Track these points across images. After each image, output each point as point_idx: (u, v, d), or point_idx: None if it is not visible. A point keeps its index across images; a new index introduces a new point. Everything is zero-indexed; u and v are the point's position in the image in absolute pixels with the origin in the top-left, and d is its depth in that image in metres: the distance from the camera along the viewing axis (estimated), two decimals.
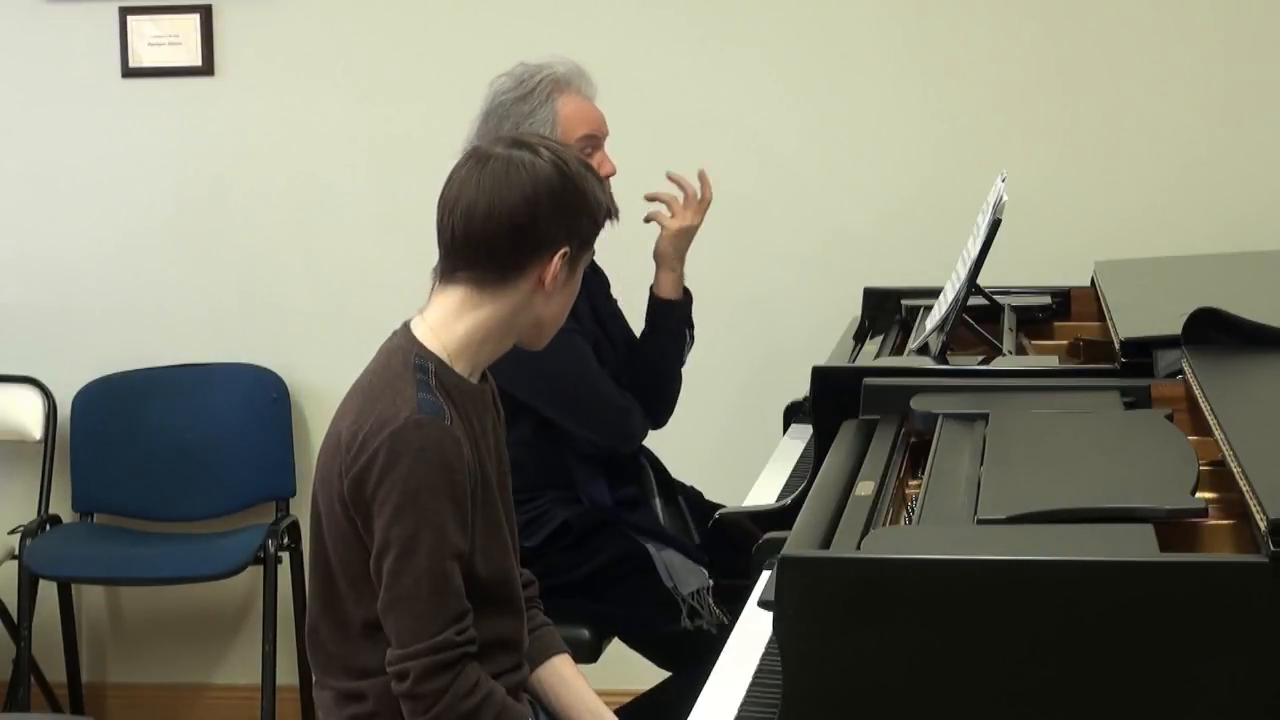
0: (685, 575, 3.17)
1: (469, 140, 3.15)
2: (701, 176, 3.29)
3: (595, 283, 3.31)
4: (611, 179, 3.21)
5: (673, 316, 3.29)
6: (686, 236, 3.28)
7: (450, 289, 2.37)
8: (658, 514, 3.31)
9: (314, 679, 2.48)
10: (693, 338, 3.35)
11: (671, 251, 3.28)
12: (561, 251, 2.34)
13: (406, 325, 2.40)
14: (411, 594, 2.26)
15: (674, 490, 3.39)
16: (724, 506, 3.35)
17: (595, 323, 3.26)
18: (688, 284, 3.33)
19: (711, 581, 3.16)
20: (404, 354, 2.35)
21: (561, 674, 2.55)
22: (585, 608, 3.16)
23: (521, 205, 2.31)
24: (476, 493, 2.33)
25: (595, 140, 3.18)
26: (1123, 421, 2.42)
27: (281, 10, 4.32)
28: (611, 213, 2.43)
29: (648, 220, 3.26)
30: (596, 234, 2.42)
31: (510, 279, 2.34)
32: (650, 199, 3.27)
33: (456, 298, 2.36)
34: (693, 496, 3.47)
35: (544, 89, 3.15)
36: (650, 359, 3.28)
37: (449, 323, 2.37)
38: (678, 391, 3.36)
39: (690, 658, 3.19)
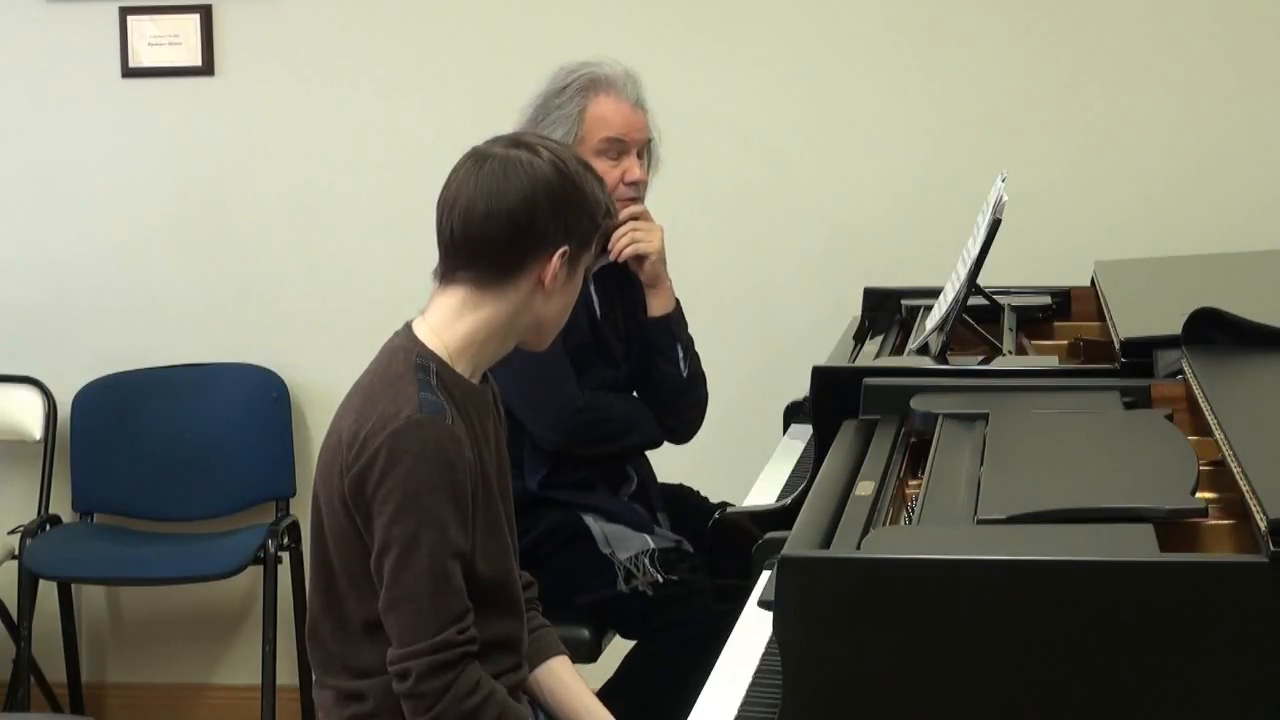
0: (623, 540, 3.16)
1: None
2: None
3: (629, 292, 3.27)
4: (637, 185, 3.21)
5: (665, 330, 3.26)
6: (662, 261, 3.25)
7: (450, 290, 2.37)
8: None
9: (314, 678, 2.48)
10: (686, 346, 3.31)
11: (663, 270, 3.26)
12: (561, 251, 2.34)
13: (408, 326, 2.40)
14: (413, 593, 2.26)
15: (656, 503, 3.34)
16: (723, 506, 3.35)
17: (590, 329, 3.22)
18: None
19: (653, 545, 3.15)
20: (405, 354, 2.35)
21: (560, 675, 2.55)
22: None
23: (520, 205, 2.31)
24: (477, 492, 2.33)
25: (621, 144, 3.16)
26: (1123, 421, 2.42)
27: (281, 10, 4.32)
28: (611, 213, 2.43)
29: (624, 254, 3.20)
30: (596, 233, 2.42)
31: (510, 279, 2.34)
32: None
33: (457, 298, 2.36)
34: (688, 499, 3.45)
35: (577, 85, 3.16)
36: (651, 380, 3.28)
37: (450, 323, 2.37)
38: (695, 406, 3.32)
39: (631, 619, 3.19)
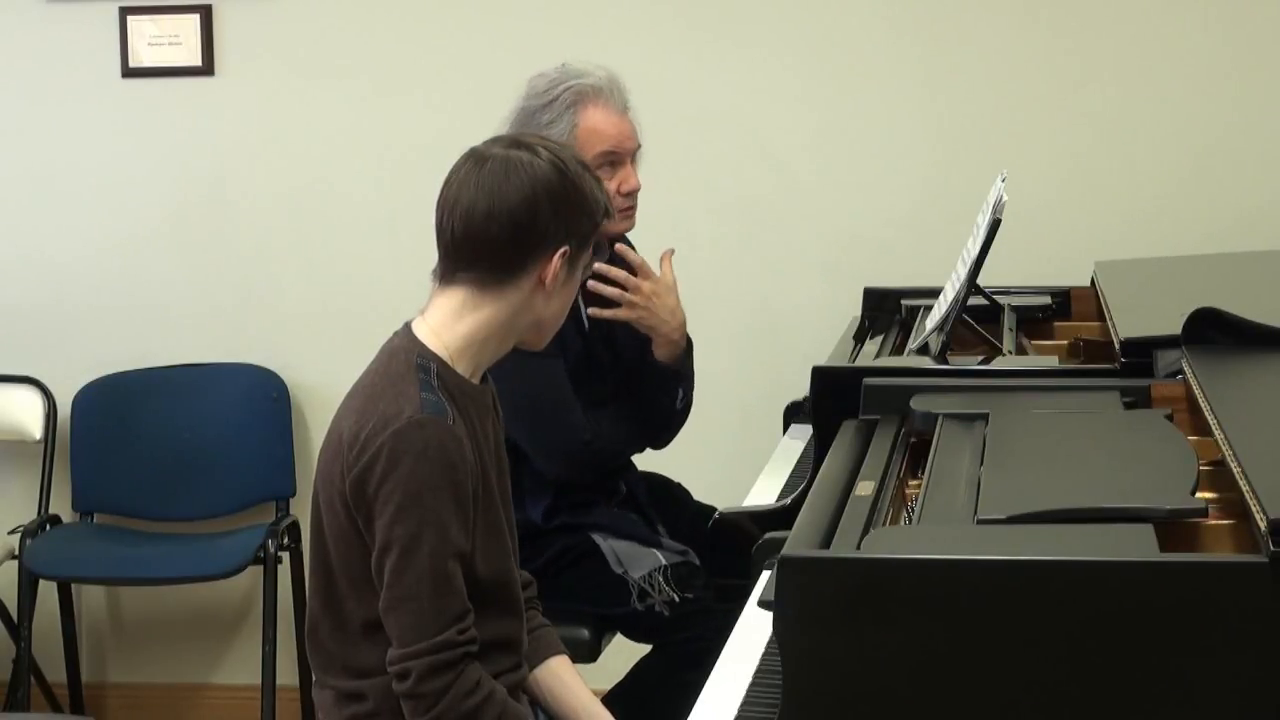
0: (635, 559, 3.14)
1: None
2: (663, 257, 3.15)
3: (610, 304, 3.25)
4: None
5: (660, 376, 3.21)
6: (653, 317, 3.13)
7: (450, 290, 2.37)
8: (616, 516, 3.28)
9: (314, 679, 2.48)
10: (686, 386, 3.25)
11: (656, 321, 3.14)
12: (562, 250, 2.34)
13: (407, 326, 2.40)
14: (413, 593, 2.26)
15: (647, 509, 3.32)
16: (712, 509, 3.35)
17: (579, 337, 3.19)
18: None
19: (664, 562, 3.14)
20: (406, 354, 2.35)
21: (559, 675, 2.55)
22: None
23: (521, 205, 2.31)
24: (478, 493, 2.33)
25: (615, 156, 3.08)
26: (1123, 421, 2.42)
27: (281, 10, 4.32)
28: (609, 213, 2.44)
29: (599, 313, 3.11)
30: (595, 233, 2.42)
31: (511, 279, 2.34)
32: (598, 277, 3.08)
33: (457, 299, 2.36)
34: (670, 489, 3.45)
35: (565, 100, 3.07)
36: (640, 400, 3.24)
37: (450, 324, 2.37)
38: (678, 423, 3.29)
39: (643, 633, 3.19)
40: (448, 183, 2.36)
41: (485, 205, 2.31)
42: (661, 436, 3.32)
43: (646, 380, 3.22)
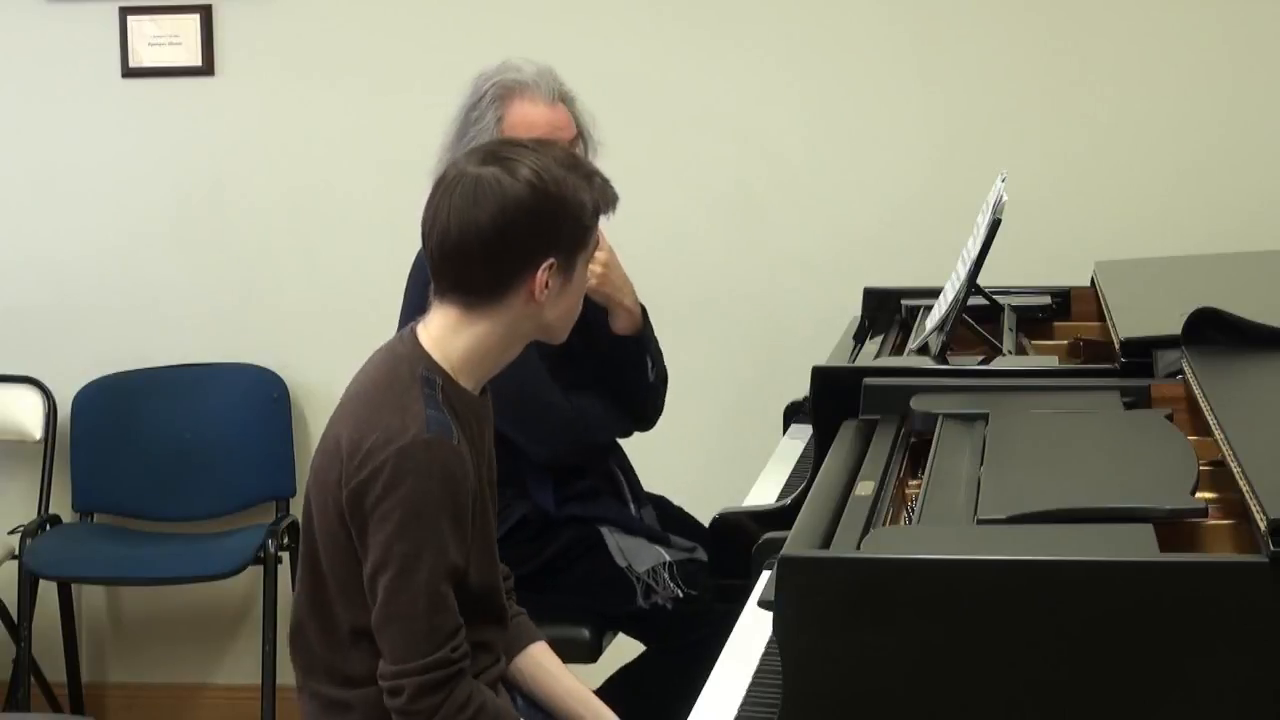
0: (639, 553, 3.15)
1: (441, 148, 3.14)
2: None
3: None
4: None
5: (626, 350, 3.23)
6: (608, 284, 3.13)
7: (445, 305, 2.35)
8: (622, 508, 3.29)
9: (297, 682, 2.46)
10: (654, 356, 3.28)
11: (614, 291, 3.16)
12: (547, 264, 2.30)
13: (412, 330, 2.38)
14: (409, 612, 2.25)
15: (639, 498, 3.34)
16: (686, 513, 3.35)
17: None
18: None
19: (669, 558, 3.15)
20: (410, 364, 2.32)
21: (539, 661, 2.55)
22: (542, 600, 3.12)
23: (490, 227, 2.26)
24: (474, 508, 2.32)
25: None
26: (1123, 421, 2.42)
27: (281, 10, 4.32)
28: (602, 206, 2.37)
29: None
30: (587, 234, 2.36)
31: (496, 298, 2.31)
32: None
33: (453, 315, 2.34)
34: (659, 502, 3.45)
35: (490, 96, 3.10)
36: (613, 380, 3.25)
37: (449, 338, 2.34)
38: (659, 398, 3.31)
39: (652, 632, 3.19)
40: (427, 203, 2.33)
41: (457, 230, 2.27)
42: (644, 414, 3.32)
43: (615, 358, 3.23)
